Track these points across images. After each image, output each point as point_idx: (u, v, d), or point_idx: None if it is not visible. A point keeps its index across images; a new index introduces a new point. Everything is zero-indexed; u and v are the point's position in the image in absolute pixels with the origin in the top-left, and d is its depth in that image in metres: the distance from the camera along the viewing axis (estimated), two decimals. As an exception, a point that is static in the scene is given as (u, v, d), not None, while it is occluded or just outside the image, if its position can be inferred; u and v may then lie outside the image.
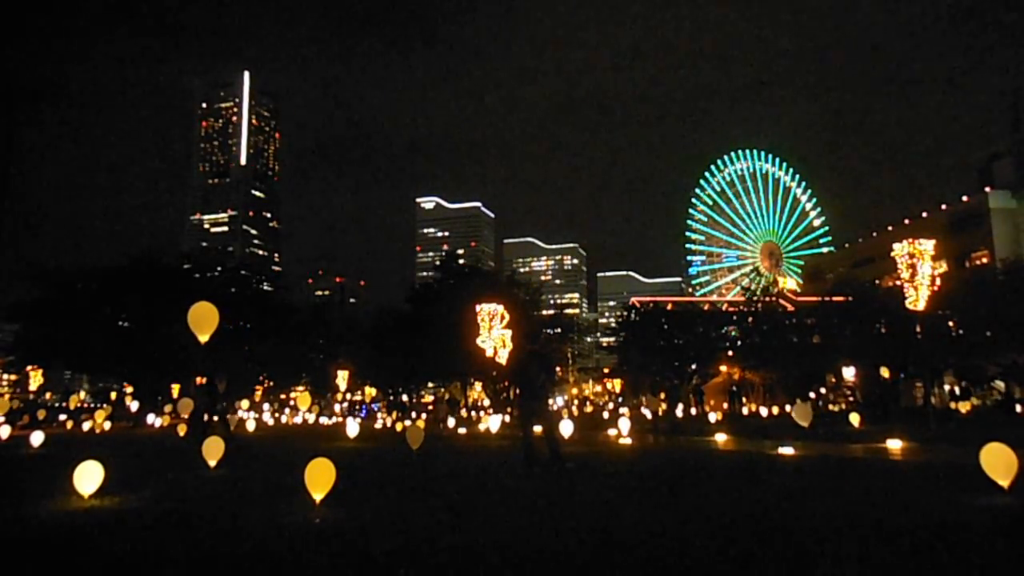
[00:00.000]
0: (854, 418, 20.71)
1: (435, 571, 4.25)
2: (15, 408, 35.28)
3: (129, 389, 54.97)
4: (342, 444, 17.27)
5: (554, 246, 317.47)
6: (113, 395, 62.16)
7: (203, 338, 11.66)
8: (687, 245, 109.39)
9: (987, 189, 65.77)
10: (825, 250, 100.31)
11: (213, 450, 10.52)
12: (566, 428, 16.58)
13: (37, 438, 16.38)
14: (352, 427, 21.20)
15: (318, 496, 6.57)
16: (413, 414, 47.75)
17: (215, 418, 17.97)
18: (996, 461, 6.74)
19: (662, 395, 32.26)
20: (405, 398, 62.06)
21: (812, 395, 49.49)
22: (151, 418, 33.53)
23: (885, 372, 34.64)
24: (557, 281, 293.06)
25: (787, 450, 12.59)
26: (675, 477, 9.21)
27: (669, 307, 67.36)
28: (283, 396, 74.53)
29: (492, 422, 24.33)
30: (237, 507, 6.88)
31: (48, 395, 62.67)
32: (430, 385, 73.56)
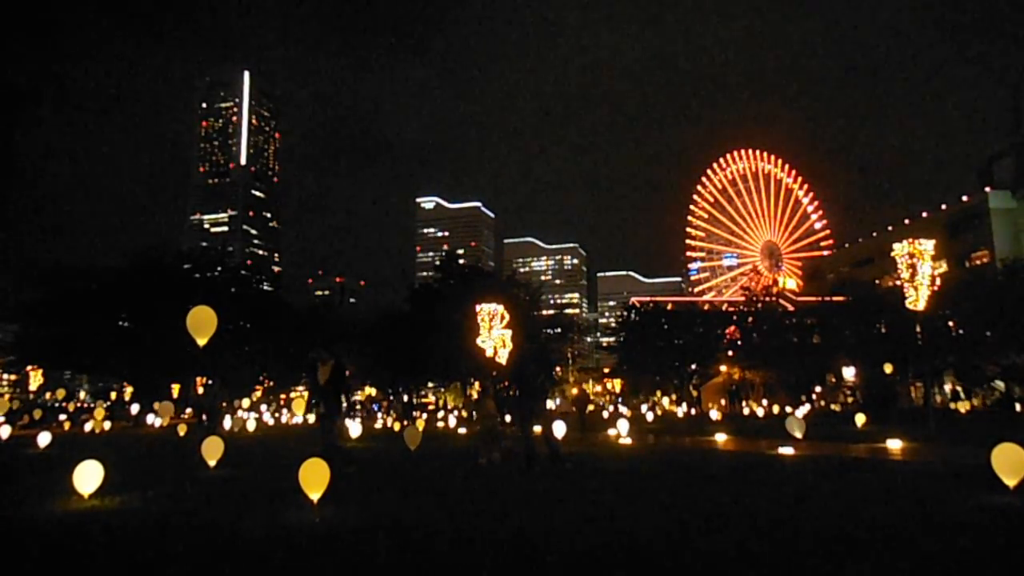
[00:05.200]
0: (859, 418, 20.70)
1: (434, 571, 4.25)
2: (15, 408, 35.25)
3: (129, 389, 54.94)
4: (343, 444, 17.23)
5: (554, 246, 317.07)
6: (113, 395, 62.14)
7: (202, 342, 11.70)
8: (687, 240, 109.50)
9: (987, 189, 65.74)
10: (825, 252, 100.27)
11: (213, 450, 10.53)
12: (559, 429, 16.42)
13: (44, 439, 16.31)
14: (354, 428, 21.19)
15: (314, 496, 6.57)
16: (414, 414, 47.74)
17: (204, 418, 17.95)
18: (1007, 461, 6.79)
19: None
20: (406, 398, 62.10)
21: (815, 395, 49.54)
22: (151, 418, 33.49)
23: (888, 368, 34.63)
24: (557, 281, 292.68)
25: (787, 450, 12.59)
26: (674, 477, 9.21)
27: (669, 307, 67.38)
28: (283, 396, 74.58)
29: None
30: (237, 507, 6.88)
31: (48, 395, 62.66)
32: (430, 385, 73.62)
